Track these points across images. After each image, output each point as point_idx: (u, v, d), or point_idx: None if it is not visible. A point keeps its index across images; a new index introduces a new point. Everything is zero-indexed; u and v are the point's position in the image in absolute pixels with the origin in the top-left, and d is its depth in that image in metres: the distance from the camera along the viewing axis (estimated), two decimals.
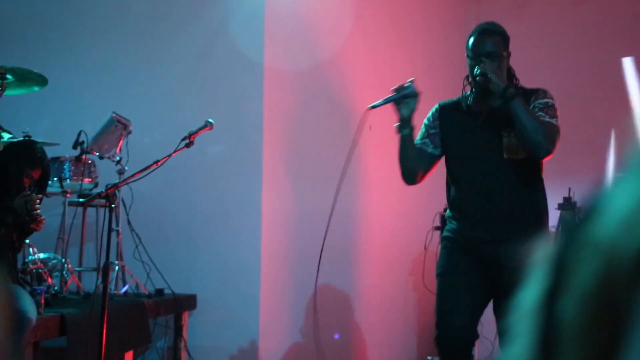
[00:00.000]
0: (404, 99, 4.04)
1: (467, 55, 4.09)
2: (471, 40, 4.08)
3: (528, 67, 7.30)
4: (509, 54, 4.08)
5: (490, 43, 4.02)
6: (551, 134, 3.84)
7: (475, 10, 7.77)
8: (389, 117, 6.96)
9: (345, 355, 6.67)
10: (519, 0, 7.48)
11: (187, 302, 5.98)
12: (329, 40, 6.58)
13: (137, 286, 5.66)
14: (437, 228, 6.59)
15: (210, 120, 5.00)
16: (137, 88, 6.35)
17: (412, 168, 4.27)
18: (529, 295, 0.42)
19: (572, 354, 0.38)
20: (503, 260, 3.72)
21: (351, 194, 6.69)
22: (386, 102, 4.11)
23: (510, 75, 4.11)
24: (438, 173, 7.34)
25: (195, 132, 4.99)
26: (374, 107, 4.13)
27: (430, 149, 4.27)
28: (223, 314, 6.13)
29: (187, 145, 4.93)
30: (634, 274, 0.36)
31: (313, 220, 6.43)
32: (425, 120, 4.30)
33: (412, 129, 4.13)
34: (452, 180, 4.32)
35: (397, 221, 6.98)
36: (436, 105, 4.31)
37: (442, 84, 7.46)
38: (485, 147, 4.04)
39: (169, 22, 6.42)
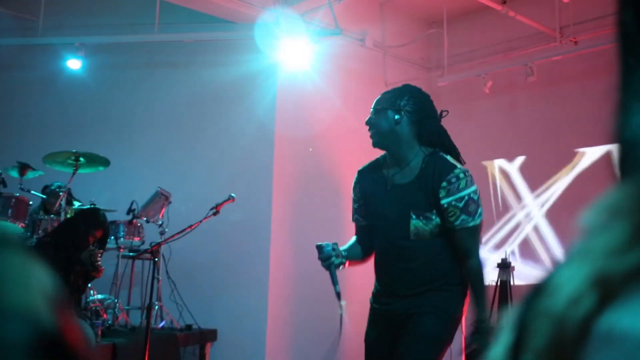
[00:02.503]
0: (327, 267, 3.30)
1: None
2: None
3: (475, 158, 7.46)
4: (415, 114, 3.07)
5: (377, 102, 3.28)
6: (477, 254, 2.90)
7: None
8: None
9: None
10: (466, 109, 7.61)
11: (210, 335, 5.98)
12: (325, 134, 6.72)
13: (171, 322, 5.67)
14: None
15: (232, 194, 5.10)
16: (177, 168, 6.45)
17: (363, 258, 3.38)
18: (496, 351, 0.40)
19: None
20: (403, 311, 3.02)
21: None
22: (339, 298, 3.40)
23: (434, 140, 3.08)
24: None
25: (221, 204, 5.08)
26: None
27: (363, 223, 3.32)
28: (238, 345, 6.13)
29: (214, 214, 5.02)
30: (578, 339, 0.36)
31: (311, 272, 6.49)
32: (352, 193, 3.38)
33: (341, 262, 3.31)
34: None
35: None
36: (356, 174, 3.38)
37: None
38: (393, 224, 3.04)
39: (202, 118, 6.55)
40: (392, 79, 7.41)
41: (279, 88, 6.42)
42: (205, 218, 5.01)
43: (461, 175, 2.93)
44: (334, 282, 3.26)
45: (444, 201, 2.89)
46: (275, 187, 6.38)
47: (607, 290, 0.36)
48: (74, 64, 6.29)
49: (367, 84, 7.14)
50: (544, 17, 6.70)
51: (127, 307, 5.71)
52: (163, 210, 5.63)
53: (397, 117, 3.08)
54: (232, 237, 6.27)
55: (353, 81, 7.00)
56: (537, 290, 0.40)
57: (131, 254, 5.50)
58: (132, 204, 5.49)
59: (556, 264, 0.40)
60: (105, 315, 5.11)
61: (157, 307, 5.54)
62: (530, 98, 7.05)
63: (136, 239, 5.56)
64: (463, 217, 2.88)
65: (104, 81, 6.62)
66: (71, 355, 0.35)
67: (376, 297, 3.33)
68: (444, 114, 3.23)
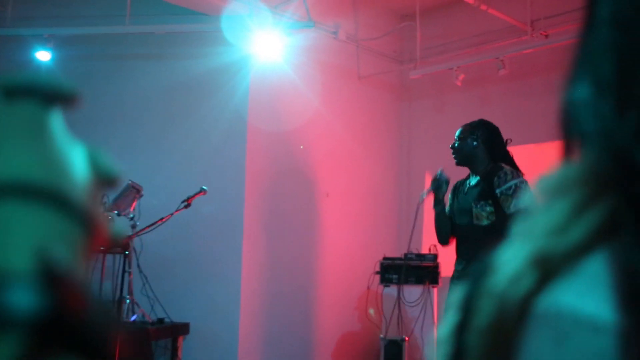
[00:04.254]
0: (439, 186, 4.14)
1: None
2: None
3: (447, 150, 7.49)
4: (486, 138, 4.15)
5: (459, 131, 4.25)
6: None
7: (407, 107, 7.95)
8: (343, 188, 7.10)
9: None
10: (438, 102, 7.66)
11: (182, 329, 5.94)
12: (299, 127, 6.71)
13: (143, 316, 5.63)
14: (377, 272, 6.63)
15: (204, 187, 5.08)
16: (148, 161, 6.39)
17: (444, 234, 4.23)
18: (445, 327, 0.42)
19: None
20: None
21: (311, 244, 6.79)
22: (428, 192, 4.23)
23: (497, 155, 4.13)
24: (376, 228, 7.47)
25: (192, 196, 5.07)
26: (422, 199, 4.41)
27: (450, 215, 4.28)
28: (210, 338, 6.11)
29: (186, 207, 5.01)
30: (519, 318, 0.36)
31: (282, 264, 6.51)
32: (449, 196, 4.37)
33: (443, 206, 4.20)
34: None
35: (346, 266, 7.03)
36: (453, 185, 4.37)
37: (382, 157, 7.64)
38: (464, 212, 4.05)
39: (174, 110, 6.50)
40: (365, 72, 7.41)
41: (251, 81, 6.39)
42: (176, 211, 4.99)
43: (508, 172, 3.94)
44: (431, 189, 4.19)
45: (497, 191, 3.88)
46: (248, 180, 6.35)
47: (547, 269, 0.37)
48: (43, 55, 6.19)
49: (340, 77, 7.14)
50: (515, 10, 6.73)
51: None
52: (134, 203, 5.58)
53: (474, 143, 4.12)
54: (204, 230, 6.25)
55: (326, 74, 6.99)
56: (483, 270, 0.40)
57: (101, 247, 5.43)
58: (102, 197, 5.42)
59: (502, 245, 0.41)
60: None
61: (128, 301, 5.50)
62: (501, 91, 7.09)
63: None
64: (514, 201, 3.79)
65: (73, 73, 6.52)
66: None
67: (455, 279, 4.13)
68: (508, 141, 4.24)
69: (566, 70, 0.40)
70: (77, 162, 0.41)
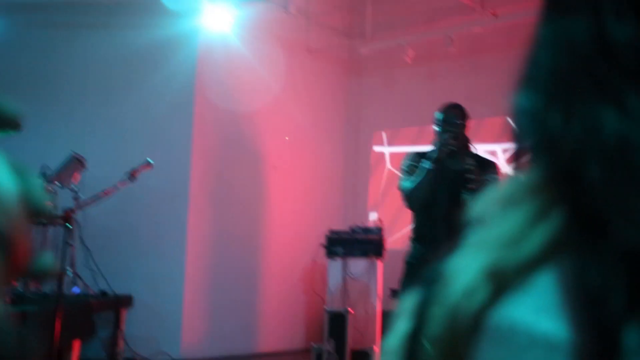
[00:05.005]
0: (443, 145, 3.94)
1: (438, 124, 4.03)
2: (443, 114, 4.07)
3: (396, 126, 7.54)
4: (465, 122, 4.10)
5: (454, 115, 4.06)
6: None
7: (356, 82, 7.94)
8: (290, 161, 7.10)
9: (250, 338, 6.69)
10: (388, 78, 7.67)
11: (125, 301, 5.90)
12: (247, 100, 6.65)
13: (85, 288, 5.57)
14: (322, 245, 6.66)
15: (149, 159, 5.01)
16: (93, 132, 6.27)
17: (421, 198, 4.01)
18: (395, 336, 0.41)
19: None
20: None
21: (258, 217, 6.80)
22: (442, 148, 4.01)
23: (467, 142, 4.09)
24: (322, 202, 7.50)
25: (137, 169, 5.00)
26: (442, 146, 4.02)
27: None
28: (153, 310, 6.09)
29: (130, 179, 4.94)
30: (471, 331, 0.36)
31: (228, 237, 6.50)
32: (410, 163, 4.12)
33: (436, 169, 3.97)
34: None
35: (292, 238, 7.05)
36: (412, 154, 4.18)
37: (330, 132, 7.65)
38: (443, 194, 3.92)
39: (120, 82, 6.38)
40: (315, 46, 7.38)
41: (199, 53, 6.30)
42: (120, 183, 4.91)
43: (495, 166, 4.10)
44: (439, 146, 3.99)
45: None
46: (195, 153, 6.30)
47: (500, 282, 0.37)
48: None
49: (290, 51, 7.09)
50: None
51: None
52: (77, 175, 5.48)
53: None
54: (149, 202, 6.18)
55: (276, 47, 6.93)
56: (435, 277, 0.40)
57: (43, 220, 5.34)
58: (44, 168, 5.32)
59: (454, 251, 0.40)
60: (15, 283, 4.95)
61: (70, 273, 5.42)
62: (450, 68, 7.14)
63: (49, 204, 5.38)
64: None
65: (16, 41, 6.34)
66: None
67: (412, 265, 4.05)
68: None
69: (515, 79, 0.40)
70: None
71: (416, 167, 4.05)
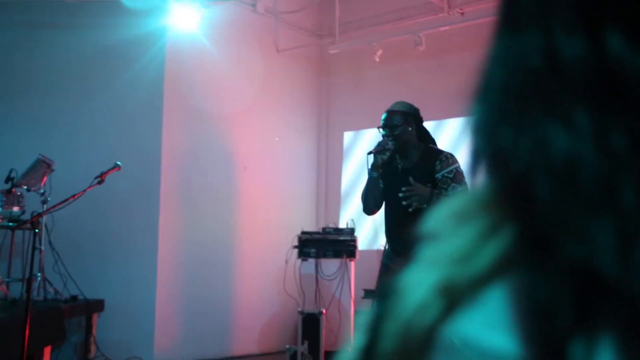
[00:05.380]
0: (382, 152, 4.05)
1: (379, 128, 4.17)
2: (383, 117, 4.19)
3: (366, 126, 7.55)
4: (415, 123, 4.13)
5: (394, 118, 4.13)
6: None
7: (325, 82, 7.95)
8: (260, 162, 7.08)
9: (224, 341, 6.65)
10: (357, 77, 7.68)
11: (97, 306, 5.85)
12: (217, 100, 6.62)
13: (55, 293, 5.50)
14: (294, 247, 6.66)
15: (118, 162, 4.97)
16: (60, 134, 6.20)
17: (373, 203, 4.18)
18: (350, 352, 0.41)
19: None
20: None
21: (230, 218, 6.77)
22: (369, 153, 4.16)
23: (422, 136, 4.16)
24: (294, 202, 7.49)
25: (106, 172, 4.95)
26: (370, 153, 4.17)
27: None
28: (126, 314, 6.03)
29: (99, 183, 4.89)
30: (424, 346, 0.36)
31: (200, 239, 6.46)
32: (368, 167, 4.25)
33: (379, 174, 4.12)
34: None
35: (264, 240, 7.02)
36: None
37: (301, 131, 7.65)
38: (394, 196, 3.98)
39: (88, 81, 6.31)
40: (283, 46, 7.37)
41: (167, 53, 6.26)
42: (89, 187, 4.86)
43: (448, 156, 4.02)
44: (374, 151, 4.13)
45: (438, 175, 3.95)
46: (165, 154, 6.25)
47: (453, 298, 0.37)
48: None
49: (258, 50, 7.07)
50: None
51: (7, 280, 5.47)
52: (45, 178, 5.41)
53: (410, 129, 4.11)
54: (119, 205, 6.12)
55: (244, 47, 6.91)
56: (389, 292, 0.40)
57: (11, 224, 5.27)
58: (10, 172, 5.24)
59: (407, 266, 0.40)
60: None
61: (39, 278, 5.35)
62: (419, 67, 7.17)
63: (16, 209, 5.31)
64: (453, 184, 3.92)
65: None
66: None
67: (385, 264, 4.15)
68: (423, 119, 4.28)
69: (469, 93, 0.40)
70: None
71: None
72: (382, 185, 4.15)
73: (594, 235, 0.31)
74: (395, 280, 0.40)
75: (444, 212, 0.40)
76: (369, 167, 4.15)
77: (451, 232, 0.39)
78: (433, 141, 4.25)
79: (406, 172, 4.01)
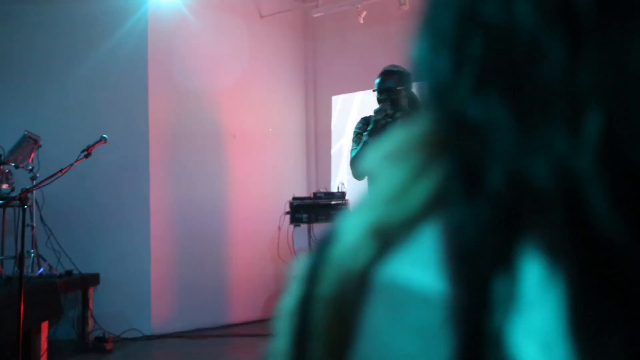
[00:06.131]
0: (385, 117, 4.02)
1: (375, 91, 4.12)
2: (379, 80, 4.12)
3: (352, 89, 7.51)
4: (407, 87, 4.06)
5: (390, 81, 4.07)
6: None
7: (311, 46, 7.88)
8: (249, 130, 7.05)
9: (221, 310, 6.69)
10: (342, 40, 7.62)
11: (92, 280, 5.86)
12: (202, 69, 6.57)
13: (50, 269, 5.50)
14: (287, 213, 6.66)
15: (104, 135, 4.94)
16: (45, 110, 6.14)
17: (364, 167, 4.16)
18: (289, 300, 0.41)
19: (317, 349, 0.38)
20: None
21: (221, 187, 6.76)
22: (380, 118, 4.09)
23: (412, 102, 4.08)
24: (285, 169, 7.48)
25: (92, 145, 4.93)
26: (376, 120, 4.09)
27: None
28: (121, 287, 6.04)
29: (86, 156, 4.87)
30: (358, 288, 0.36)
31: (191, 209, 6.45)
32: (356, 130, 4.21)
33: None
34: None
35: (256, 207, 7.02)
36: (360, 120, 4.25)
37: (288, 97, 7.61)
38: None
39: (69, 54, 6.24)
40: (266, 11, 7.29)
41: (149, 22, 6.19)
42: (76, 161, 4.84)
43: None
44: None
45: None
46: (152, 124, 6.21)
47: (384, 239, 0.36)
48: None
49: (241, 16, 6.99)
50: None
51: (0, 257, 5.48)
52: (32, 154, 5.38)
53: (404, 93, 4.07)
54: (108, 178, 6.10)
55: (227, 13, 6.84)
56: (327, 238, 0.40)
57: (0, 201, 5.24)
58: None
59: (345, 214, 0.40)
60: None
61: (32, 255, 5.35)
62: (404, 28, 7.10)
63: (5, 186, 5.28)
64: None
65: None
66: None
67: None
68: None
69: (414, 25, 0.38)
70: None
71: (361, 134, 4.11)
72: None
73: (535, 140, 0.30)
74: (333, 226, 0.40)
75: (378, 154, 0.39)
76: (366, 131, 4.08)
77: (384, 173, 0.38)
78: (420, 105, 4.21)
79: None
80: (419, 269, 0.34)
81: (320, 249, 0.40)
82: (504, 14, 0.31)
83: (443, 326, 0.32)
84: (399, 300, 0.34)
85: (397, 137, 0.39)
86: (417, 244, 0.35)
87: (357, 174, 4.11)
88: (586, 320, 0.29)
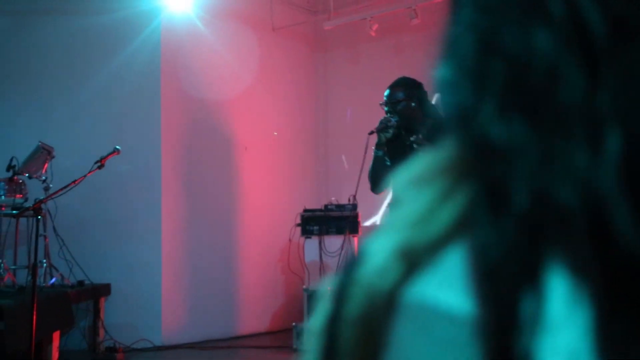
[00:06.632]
0: (384, 129, 4.01)
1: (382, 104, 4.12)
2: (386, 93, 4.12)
3: (364, 101, 7.52)
4: (419, 98, 4.05)
5: (398, 93, 4.08)
6: None
7: (322, 58, 7.90)
8: (261, 141, 7.07)
9: (231, 321, 6.69)
10: (353, 52, 7.64)
11: (103, 290, 5.88)
12: (214, 81, 6.60)
13: (62, 279, 5.53)
14: (297, 225, 6.65)
15: (117, 147, 4.96)
16: (59, 121, 6.18)
17: (380, 180, 4.05)
18: (318, 318, 0.41)
19: None
20: None
21: (232, 199, 6.77)
22: (371, 133, 4.08)
23: (428, 110, 4.06)
24: (296, 181, 7.49)
25: (106, 157, 4.94)
26: (371, 133, 4.08)
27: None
28: (132, 297, 6.06)
29: (99, 167, 4.89)
30: (386, 308, 0.37)
31: (203, 220, 6.47)
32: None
33: (384, 151, 4.07)
34: None
35: (267, 219, 7.03)
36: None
37: (300, 109, 7.62)
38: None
39: (83, 66, 6.28)
40: (279, 23, 7.32)
41: (162, 34, 6.23)
42: (89, 172, 4.86)
43: None
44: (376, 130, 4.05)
45: None
46: (164, 136, 6.24)
47: (412, 261, 0.37)
48: None
49: (254, 28, 7.03)
50: None
51: (13, 267, 5.50)
52: (46, 165, 5.41)
53: (413, 104, 4.05)
54: (121, 189, 6.13)
55: (240, 25, 6.87)
56: (355, 259, 0.41)
57: (14, 212, 5.26)
58: (11, 160, 5.24)
59: (373, 235, 0.41)
60: None
61: (45, 265, 5.37)
62: (415, 40, 7.12)
63: (18, 197, 5.31)
64: None
65: None
66: None
67: None
68: None
69: (435, 50, 0.40)
70: None
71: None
72: (388, 163, 4.06)
73: (558, 160, 0.31)
74: (361, 248, 0.41)
75: (404, 177, 0.41)
76: (374, 145, 4.09)
77: (410, 197, 0.39)
78: (440, 114, 4.19)
79: (414, 148, 3.96)
80: (446, 289, 0.35)
81: (348, 269, 0.40)
82: (523, 41, 0.32)
83: (470, 346, 0.32)
84: (426, 320, 0.35)
85: (422, 161, 0.40)
86: (444, 265, 0.36)
87: (373, 189, 4.14)
88: (613, 337, 0.29)
